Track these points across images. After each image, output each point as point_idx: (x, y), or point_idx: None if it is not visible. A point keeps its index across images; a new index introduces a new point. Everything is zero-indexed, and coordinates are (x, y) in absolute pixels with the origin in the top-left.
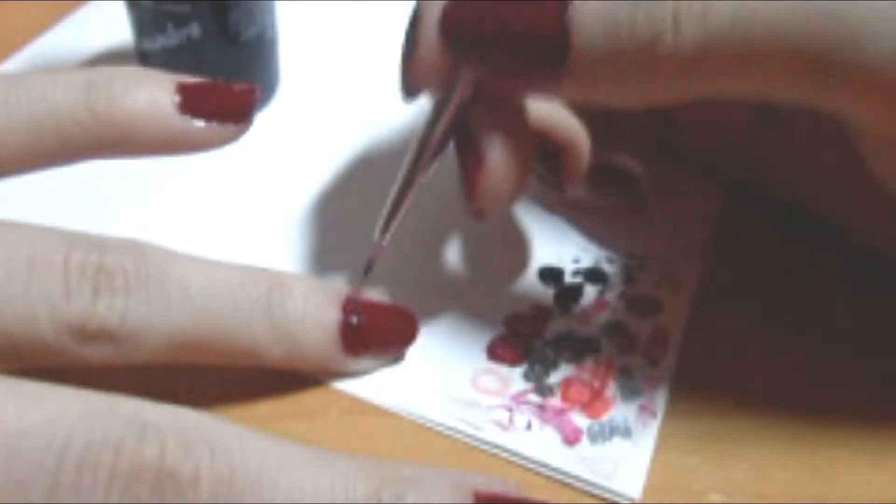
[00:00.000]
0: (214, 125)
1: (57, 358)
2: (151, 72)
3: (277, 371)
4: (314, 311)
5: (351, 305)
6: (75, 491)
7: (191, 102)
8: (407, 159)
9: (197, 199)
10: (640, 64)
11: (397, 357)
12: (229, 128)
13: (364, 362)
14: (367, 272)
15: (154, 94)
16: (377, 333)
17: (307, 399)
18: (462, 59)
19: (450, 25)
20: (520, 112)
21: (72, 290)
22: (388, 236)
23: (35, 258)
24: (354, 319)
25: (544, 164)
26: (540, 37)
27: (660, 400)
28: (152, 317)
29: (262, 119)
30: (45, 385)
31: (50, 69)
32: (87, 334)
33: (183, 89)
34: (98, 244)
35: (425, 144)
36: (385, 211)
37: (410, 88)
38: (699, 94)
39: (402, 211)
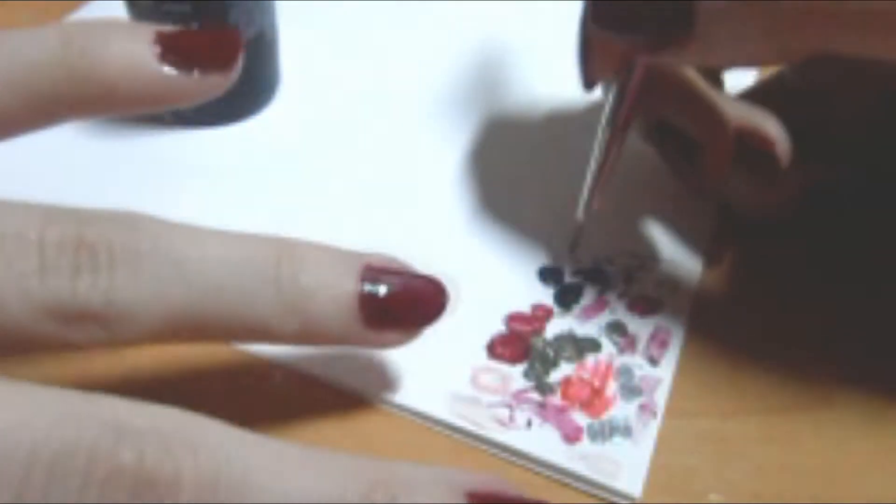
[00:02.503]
0: (197, 75)
1: (38, 343)
2: (129, 23)
3: (277, 371)
4: (329, 281)
5: (371, 274)
6: (44, 499)
7: (171, 52)
8: (598, 143)
9: (196, 200)
10: (762, 16)
11: (422, 331)
12: (214, 77)
13: (388, 336)
14: (573, 248)
15: (132, 45)
16: (402, 304)
17: (307, 399)
18: (609, 35)
19: (597, 12)
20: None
21: (47, 267)
22: (588, 214)
23: (5, 234)
24: (376, 289)
25: (687, 162)
26: (665, 10)
27: (660, 400)
28: (142, 296)
29: (262, 119)
30: (15, 384)
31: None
32: (69, 317)
33: (162, 38)
34: (79, 217)
35: (614, 125)
36: (584, 193)
37: (589, 80)
38: (825, 49)
39: (599, 191)
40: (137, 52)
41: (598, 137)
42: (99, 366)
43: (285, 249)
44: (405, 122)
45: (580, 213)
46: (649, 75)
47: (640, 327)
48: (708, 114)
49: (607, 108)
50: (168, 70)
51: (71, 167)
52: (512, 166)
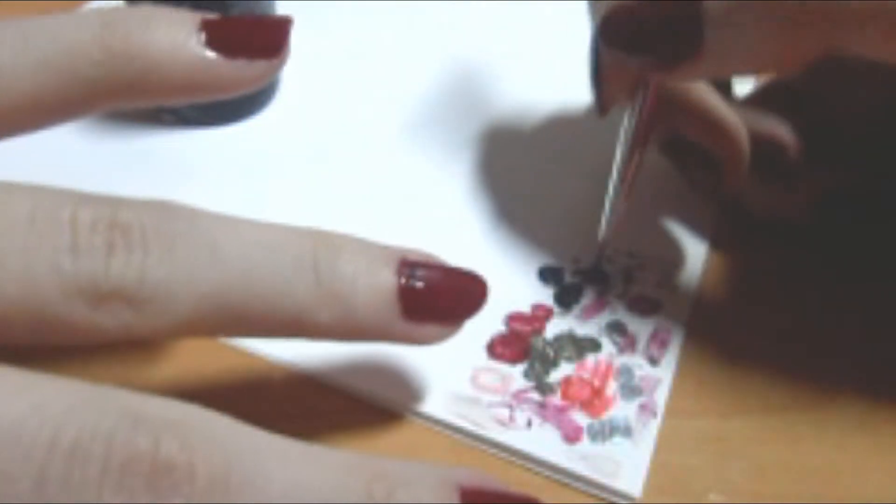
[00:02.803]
0: (243, 62)
1: (65, 327)
2: (172, 9)
3: (277, 371)
4: (368, 270)
5: (410, 266)
6: (64, 484)
7: (216, 38)
8: (616, 163)
9: (196, 201)
10: (775, 24)
11: (462, 325)
12: (260, 64)
13: (428, 329)
14: (598, 266)
15: (176, 30)
16: (442, 296)
17: (307, 399)
18: (620, 57)
19: (606, 34)
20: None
21: (80, 246)
22: (611, 233)
23: (37, 214)
24: (415, 282)
25: (702, 170)
26: (674, 26)
27: (660, 400)
28: (176, 277)
29: (262, 119)
30: (32, 373)
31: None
32: (101, 296)
33: (207, 25)
34: (112, 200)
35: (632, 145)
36: (606, 212)
37: (604, 105)
38: (836, 50)
39: (620, 209)
40: (181, 36)
41: (617, 157)
42: (96, 367)
43: (322, 238)
44: (404, 123)
45: (603, 231)
46: (663, 93)
47: (640, 327)
48: (723, 127)
49: (624, 128)
50: (213, 56)
51: (71, 167)
52: (511, 167)
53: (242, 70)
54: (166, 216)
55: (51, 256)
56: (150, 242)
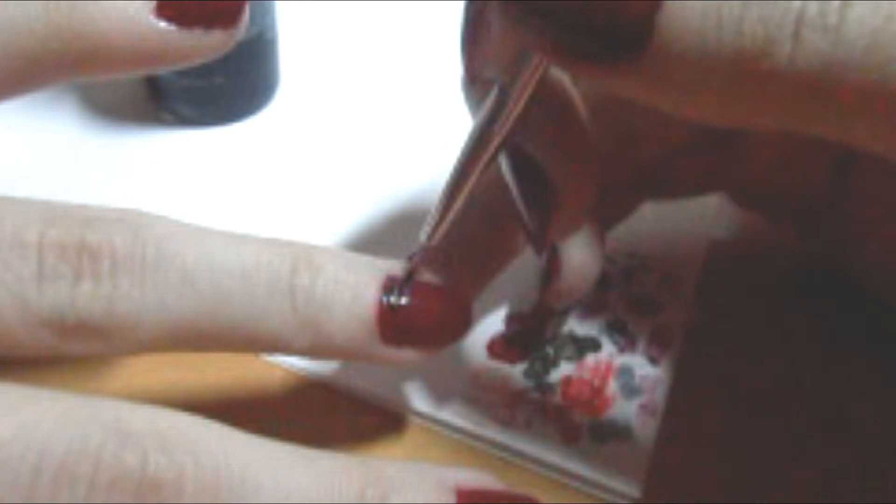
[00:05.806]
0: (199, 32)
1: (33, 353)
2: None
3: (277, 371)
4: (346, 294)
5: (393, 287)
6: None
7: (169, 7)
8: (461, 157)
9: (196, 201)
10: (734, 76)
11: (441, 350)
12: (217, 35)
13: (405, 354)
14: (409, 279)
15: (125, 0)
16: (423, 321)
17: (307, 399)
18: (524, 28)
19: None
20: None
21: (46, 275)
22: (436, 240)
23: (3, 236)
24: (397, 304)
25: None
26: (616, 16)
27: (660, 399)
28: (146, 307)
29: (262, 119)
30: (16, 389)
31: None
32: (67, 328)
33: None
34: (82, 217)
35: (485, 140)
36: (435, 213)
37: (473, 71)
38: (795, 128)
39: (453, 213)
40: (131, 6)
41: (463, 150)
42: (93, 363)
43: (302, 256)
44: (405, 122)
45: (424, 235)
46: (546, 82)
47: (640, 327)
48: (577, 150)
49: (481, 114)
50: (165, 26)
51: (71, 167)
52: None
53: (199, 40)
54: (137, 236)
55: (16, 286)
56: (118, 269)
